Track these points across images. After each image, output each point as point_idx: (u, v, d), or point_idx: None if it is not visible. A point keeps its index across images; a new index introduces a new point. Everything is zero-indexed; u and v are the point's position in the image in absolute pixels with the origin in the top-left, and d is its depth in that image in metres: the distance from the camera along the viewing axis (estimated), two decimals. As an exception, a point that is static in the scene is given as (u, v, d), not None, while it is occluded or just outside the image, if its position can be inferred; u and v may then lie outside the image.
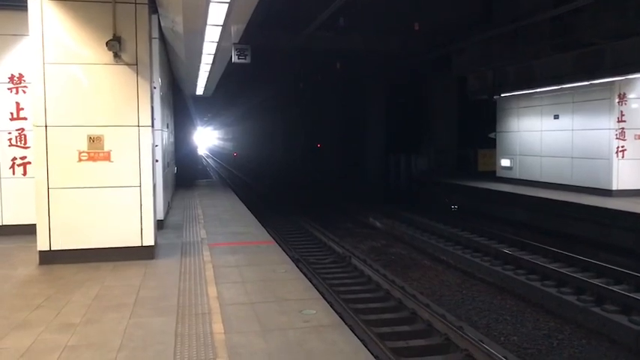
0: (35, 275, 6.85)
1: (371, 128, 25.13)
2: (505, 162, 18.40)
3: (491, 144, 19.65)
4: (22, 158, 9.43)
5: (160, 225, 9.70)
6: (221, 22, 7.87)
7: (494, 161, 19.30)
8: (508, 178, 17.98)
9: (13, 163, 9.43)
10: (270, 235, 10.07)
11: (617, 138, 13.66)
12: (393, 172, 23.06)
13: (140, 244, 7.50)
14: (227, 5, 6.86)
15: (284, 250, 8.97)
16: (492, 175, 19.06)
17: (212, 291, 6.01)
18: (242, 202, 15.12)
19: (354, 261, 10.63)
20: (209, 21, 7.83)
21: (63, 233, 7.23)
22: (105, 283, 6.35)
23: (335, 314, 5.37)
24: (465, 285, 9.79)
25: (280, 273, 6.90)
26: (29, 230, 7.85)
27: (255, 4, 7.22)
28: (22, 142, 9.44)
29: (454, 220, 14.78)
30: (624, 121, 13.67)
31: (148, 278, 6.61)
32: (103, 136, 7.29)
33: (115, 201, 7.39)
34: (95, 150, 7.28)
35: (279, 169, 37.07)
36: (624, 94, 13.67)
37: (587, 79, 13.66)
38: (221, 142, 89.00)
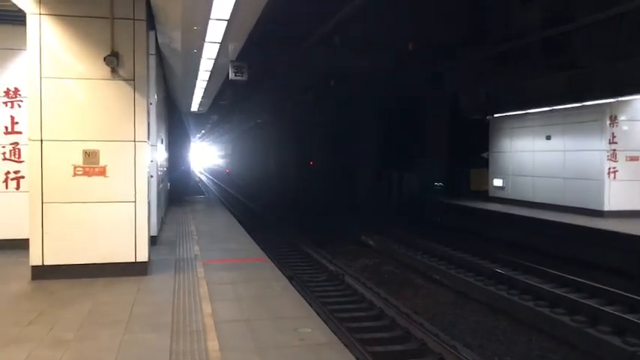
0: (27, 290, 6.79)
1: (363, 146, 25.23)
2: (498, 182, 18.50)
3: (484, 163, 19.76)
4: (16, 172, 9.39)
5: (153, 241, 9.63)
6: (219, 40, 7.93)
7: (486, 181, 19.40)
8: (501, 197, 18.07)
9: (7, 177, 9.38)
10: (264, 252, 10.03)
11: (608, 159, 13.80)
12: (385, 190, 23.10)
13: (134, 260, 7.45)
14: (225, 23, 6.91)
15: (278, 268, 8.93)
16: (485, 194, 19.14)
17: (207, 308, 5.97)
18: (235, 219, 15.08)
19: (348, 279, 10.60)
20: (207, 38, 7.89)
21: (56, 248, 7.18)
22: (98, 299, 6.30)
23: (331, 332, 5.35)
24: (458, 304, 9.77)
25: (275, 290, 6.88)
26: (22, 245, 7.78)
27: (254, 23, 7.29)
28: (16, 156, 9.40)
29: (446, 238, 14.79)
30: (616, 143, 13.82)
31: (142, 294, 6.56)
32: (98, 150, 7.29)
33: (110, 216, 7.36)
34: (90, 165, 7.26)
35: (273, 187, 37.03)
36: (615, 116, 13.83)
37: (579, 101, 13.83)
38: (215, 159, 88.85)
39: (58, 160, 7.17)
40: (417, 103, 22.32)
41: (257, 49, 13.63)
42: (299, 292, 7.11)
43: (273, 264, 8.72)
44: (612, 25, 11.41)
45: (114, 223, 7.39)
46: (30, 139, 7.16)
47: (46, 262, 7.13)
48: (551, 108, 15.02)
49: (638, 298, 8.77)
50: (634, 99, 13.49)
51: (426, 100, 21.91)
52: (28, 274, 7.16)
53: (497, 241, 14.37)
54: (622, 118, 13.90)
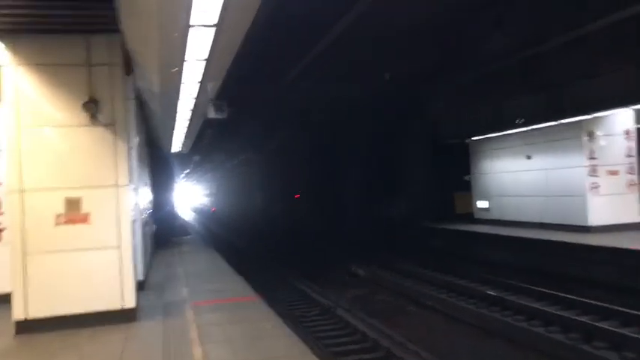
0: (12, 346, 6.60)
1: (348, 175, 25.28)
2: (481, 203, 18.60)
3: (468, 186, 19.87)
4: (-3, 224, 9.23)
5: (140, 286, 9.47)
6: (198, 80, 7.95)
7: (470, 203, 19.48)
8: (485, 219, 18.14)
9: (-13, 230, 9.21)
10: (254, 290, 9.91)
11: (589, 175, 13.96)
12: (372, 218, 23.08)
13: (121, 307, 7.32)
14: (204, 63, 6.94)
15: (268, 305, 8.81)
16: (470, 216, 19.21)
17: (197, 352, 5.85)
18: (223, 258, 14.94)
19: (340, 311, 10.49)
20: (185, 79, 7.90)
21: (40, 300, 7.03)
22: (86, 351, 6.15)
23: (325, 369, 5.26)
24: (452, 330, 9.69)
25: (266, 329, 6.78)
26: (4, 299, 7.59)
27: (232, 61, 7.33)
28: (-3, 208, 9.24)
29: (435, 263, 14.75)
30: (595, 158, 14.01)
31: (131, 342, 6.42)
32: (81, 198, 7.21)
33: (95, 264, 7.25)
34: (73, 212, 7.17)
35: (259, 223, 36.84)
36: (593, 131, 14.05)
37: (556, 119, 14.03)
38: (200, 198, 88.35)
39: (40, 209, 7.08)
40: (398, 131, 22.49)
41: (237, 85, 13.71)
42: (291, 329, 7.00)
43: (263, 302, 8.61)
44: (583, 45, 11.67)
45: (99, 270, 7.27)
46: (10, 190, 7.07)
47: (30, 316, 6.97)
48: (529, 128, 15.21)
49: (631, 312, 8.78)
50: (609, 114, 13.73)
51: (406, 127, 22.08)
52: (12, 329, 6.97)
53: (485, 262, 14.37)
54: (599, 133, 14.12)
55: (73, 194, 7.19)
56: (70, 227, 7.14)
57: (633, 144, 14.36)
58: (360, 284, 14.17)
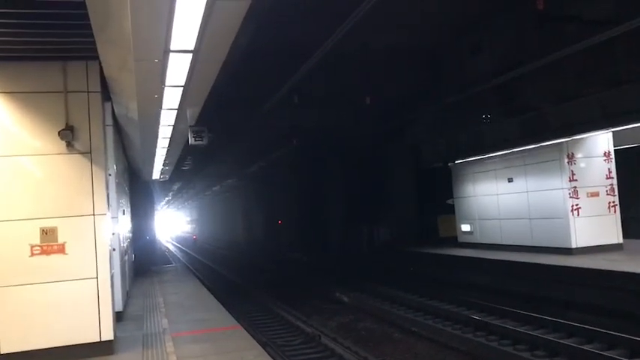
0: (-17, 383, 6.35)
1: (331, 202, 25.22)
2: (465, 227, 18.59)
3: (451, 210, 19.89)
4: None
5: (118, 317, 9.26)
6: (176, 106, 7.88)
7: (454, 227, 19.47)
8: (469, 242, 18.12)
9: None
10: (236, 319, 9.72)
11: (570, 197, 14.03)
12: (356, 243, 22.98)
13: (98, 340, 7.10)
14: (181, 89, 6.87)
15: (251, 335, 8.63)
16: (454, 240, 19.18)
17: (177, 385, 5.66)
18: (205, 286, 14.69)
19: (324, 340, 10.30)
20: (164, 106, 7.83)
21: (14, 334, 6.79)
22: (60, 386, 5.91)
23: (310, 400, 5.10)
24: (438, 356, 9.55)
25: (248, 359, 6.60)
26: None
27: (210, 88, 7.27)
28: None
29: (421, 289, 14.64)
30: (576, 180, 14.10)
31: (108, 377, 6.20)
32: (56, 227, 7.02)
33: (71, 295, 7.03)
34: (48, 243, 6.97)
35: (242, 251, 36.52)
36: (572, 153, 14.17)
37: (535, 142, 14.14)
38: (181, 226, 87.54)
39: (14, 240, 6.88)
40: (380, 156, 22.55)
41: (216, 112, 13.65)
42: None
43: (245, 332, 8.43)
44: (559, 68, 11.82)
45: (76, 302, 7.06)
46: (-19, 221, 6.87)
47: (4, 351, 6.71)
48: (510, 150, 15.31)
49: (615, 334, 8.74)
50: (588, 137, 13.87)
51: (389, 153, 22.15)
52: (-16, 365, 6.73)
53: (471, 287, 14.29)
54: (579, 155, 14.24)
55: (49, 224, 7.00)
56: (45, 258, 6.94)
57: (612, 165, 14.51)
58: (346, 311, 13.99)
